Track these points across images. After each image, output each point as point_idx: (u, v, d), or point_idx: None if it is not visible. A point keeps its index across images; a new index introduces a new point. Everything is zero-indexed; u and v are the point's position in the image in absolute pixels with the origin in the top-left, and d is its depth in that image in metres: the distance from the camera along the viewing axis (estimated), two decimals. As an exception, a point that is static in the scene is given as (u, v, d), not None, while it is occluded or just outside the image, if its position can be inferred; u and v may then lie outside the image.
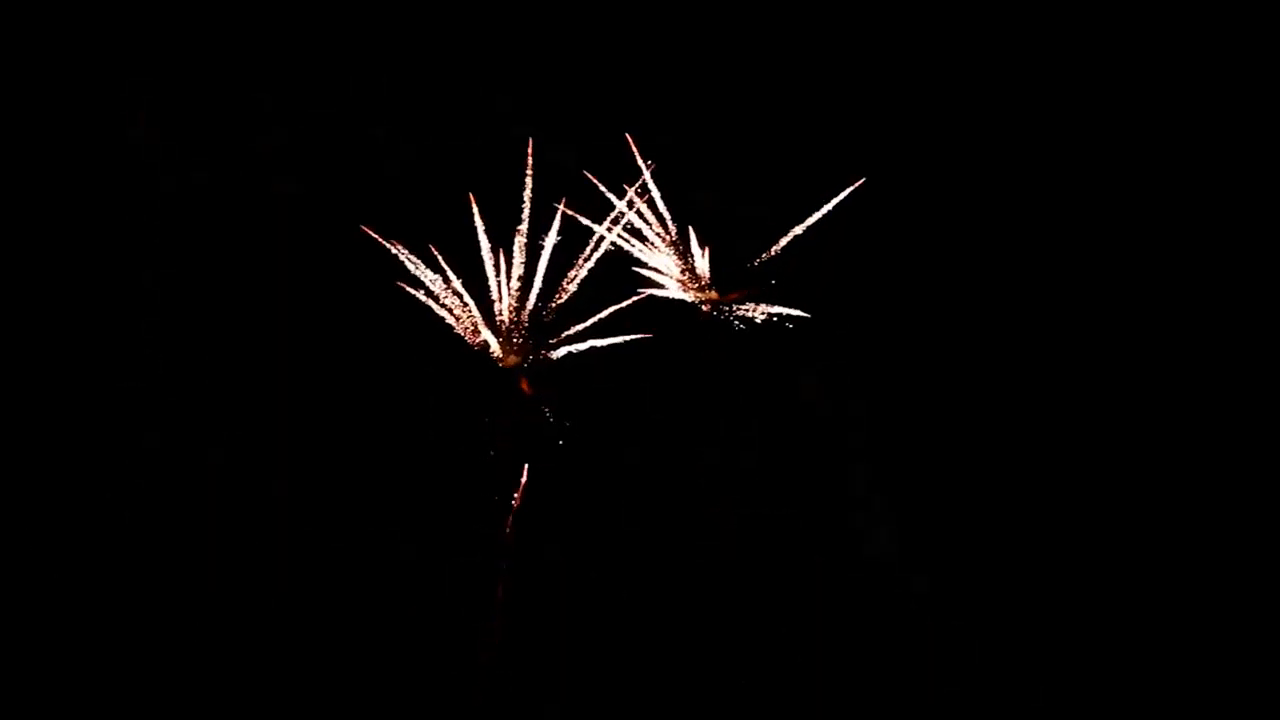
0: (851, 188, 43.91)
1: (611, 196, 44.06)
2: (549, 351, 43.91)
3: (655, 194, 44.00)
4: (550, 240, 43.60)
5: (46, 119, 44.76)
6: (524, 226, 43.77)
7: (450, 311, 43.76)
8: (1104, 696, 42.70)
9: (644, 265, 44.41)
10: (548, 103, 44.52)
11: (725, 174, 44.66)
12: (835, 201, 43.88)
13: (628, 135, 43.99)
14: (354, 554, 43.83)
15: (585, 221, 43.93)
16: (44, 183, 44.58)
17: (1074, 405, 44.51)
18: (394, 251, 43.39)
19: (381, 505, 44.17)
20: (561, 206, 43.65)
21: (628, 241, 44.27)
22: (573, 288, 43.93)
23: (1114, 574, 43.47)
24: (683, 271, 44.48)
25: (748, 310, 44.22)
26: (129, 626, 42.74)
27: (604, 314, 43.80)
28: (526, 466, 43.81)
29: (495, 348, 43.86)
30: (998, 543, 43.87)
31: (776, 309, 44.07)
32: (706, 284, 44.33)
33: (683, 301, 44.77)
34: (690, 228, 44.16)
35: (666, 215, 44.36)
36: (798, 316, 44.02)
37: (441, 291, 43.71)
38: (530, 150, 43.75)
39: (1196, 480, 43.63)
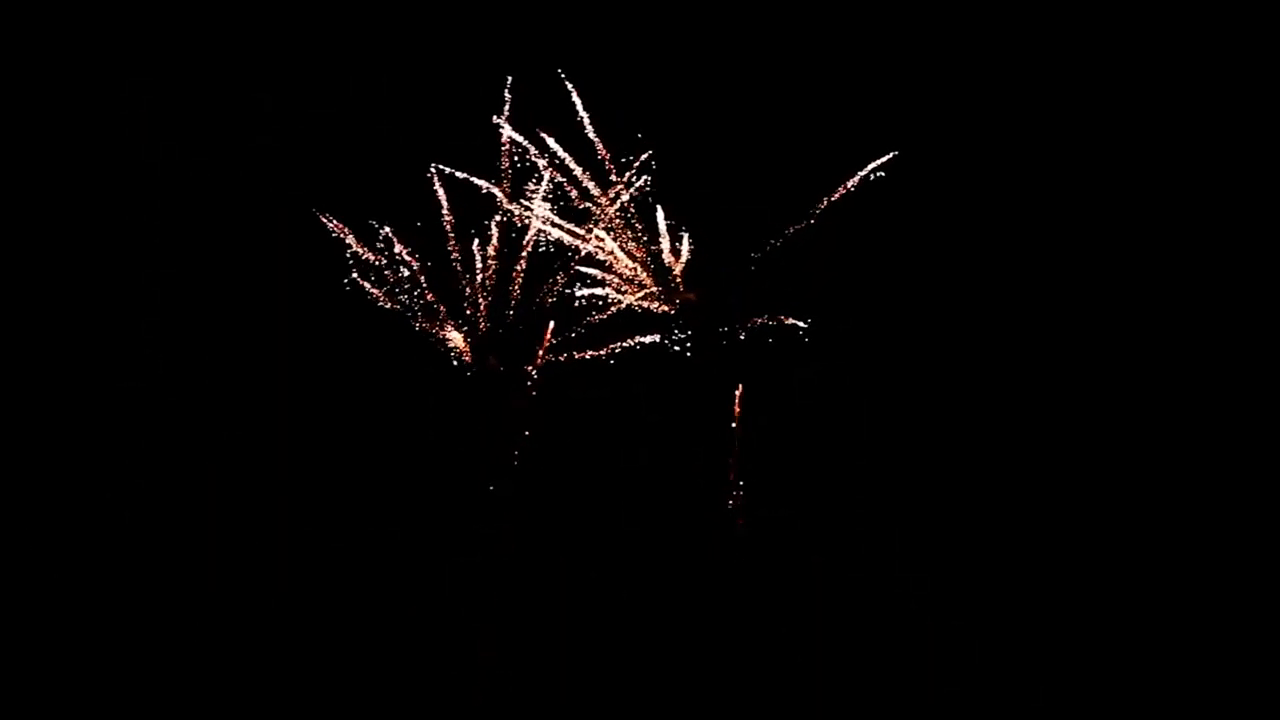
0: (863, 172, 43.62)
1: (589, 204, 44.03)
2: (532, 363, 43.90)
3: (624, 196, 43.79)
4: (530, 239, 43.65)
5: (46, 119, 44.79)
6: (499, 220, 43.81)
7: (429, 320, 43.78)
8: (1104, 696, 42.68)
9: (608, 269, 44.17)
10: (547, 103, 44.50)
11: (723, 173, 44.58)
12: (854, 180, 43.55)
13: (560, 71, 43.52)
14: (354, 554, 43.86)
15: (557, 235, 43.88)
16: (44, 183, 44.61)
17: (1074, 404, 44.47)
18: (368, 255, 43.52)
19: (381, 505, 44.18)
20: (540, 207, 43.60)
21: (602, 249, 44.09)
22: (553, 299, 43.95)
23: (1114, 573, 43.44)
24: (657, 280, 44.12)
25: (733, 325, 44.00)
26: (129, 626, 42.77)
27: (586, 322, 43.83)
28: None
29: (466, 351, 43.85)
30: (997, 543, 43.85)
31: (765, 315, 43.91)
32: (680, 285, 44.06)
33: (650, 310, 44.41)
34: (664, 231, 43.91)
35: (636, 220, 44.16)
36: (788, 323, 43.86)
37: (420, 300, 43.75)
38: (506, 142, 43.90)
39: (1197, 480, 43.60)
